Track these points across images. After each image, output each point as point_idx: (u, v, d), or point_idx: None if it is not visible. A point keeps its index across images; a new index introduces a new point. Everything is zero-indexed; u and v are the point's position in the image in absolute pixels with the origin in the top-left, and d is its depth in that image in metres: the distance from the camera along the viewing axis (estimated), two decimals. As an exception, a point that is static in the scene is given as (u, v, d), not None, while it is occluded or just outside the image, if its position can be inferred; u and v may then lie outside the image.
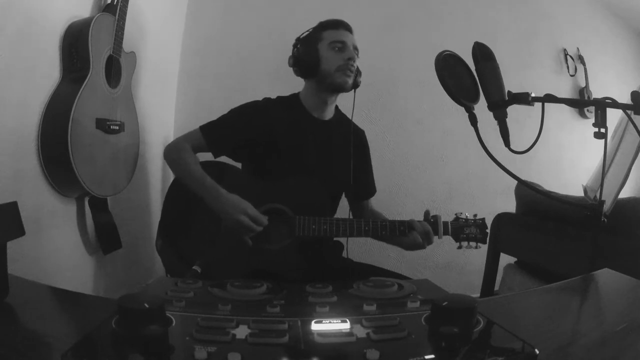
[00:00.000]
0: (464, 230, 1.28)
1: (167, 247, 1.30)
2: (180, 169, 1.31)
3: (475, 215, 1.30)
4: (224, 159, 1.41)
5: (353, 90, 1.41)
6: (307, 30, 1.40)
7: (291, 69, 1.40)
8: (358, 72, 1.40)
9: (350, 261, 1.44)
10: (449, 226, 1.28)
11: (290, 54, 1.40)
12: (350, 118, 1.48)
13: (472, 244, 1.29)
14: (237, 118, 1.35)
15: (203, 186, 1.23)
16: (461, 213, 1.30)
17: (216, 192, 1.21)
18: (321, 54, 1.34)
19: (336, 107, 1.47)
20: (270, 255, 1.23)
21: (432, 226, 1.26)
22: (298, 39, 1.40)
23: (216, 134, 1.34)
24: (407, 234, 1.26)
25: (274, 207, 1.25)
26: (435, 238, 1.29)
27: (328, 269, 1.34)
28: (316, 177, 1.30)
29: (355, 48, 1.37)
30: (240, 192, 1.24)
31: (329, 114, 1.44)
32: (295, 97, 1.44)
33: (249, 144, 1.34)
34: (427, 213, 1.30)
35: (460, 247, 1.28)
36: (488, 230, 1.31)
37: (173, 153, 1.34)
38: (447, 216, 1.33)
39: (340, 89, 1.36)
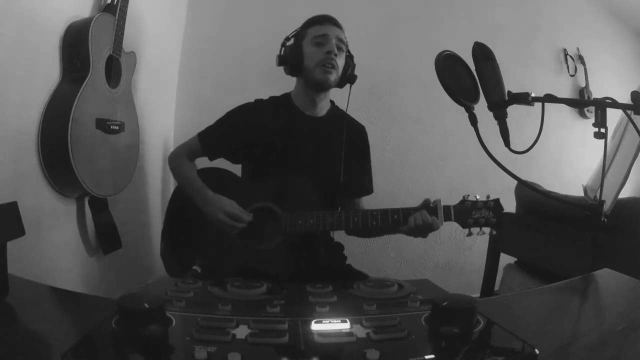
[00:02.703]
0: (471, 214, 1.12)
1: (169, 250, 1.31)
2: (177, 175, 1.37)
3: (487, 197, 1.15)
4: (223, 163, 1.42)
5: (349, 85, 1.38)
6: (296, 29, 1.40)
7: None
8: (350, 67, 1.37)
9: (350, 267, 1.44)
10: (451, 210, 1.14)
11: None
12: (352, 115, 1.45)
13: (485, 229, 1.13)
14: (230, 121, 1.37)
15: (193, 189, 1.28)
16: (469, 195, 1.15)
17: (203, 193, 1.26)
18: (304, 51, 1.33)
19: (332, 102, 1.45)
20: (260, 254, 1.22)
21: (432, 212, 1.14)
22: (286, 38, 1.40)
23: (210, 138, 1.37)
24: (402, 224, 1.15)
25: (263, 205, 1.25)
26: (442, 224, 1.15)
27: (327, 269, 1.34)
28: (310, 175, 1.29)
29: (341, 41, 1.33)
30: (234, 194, 1.25)
31: (322, 110, 1.41)
32: (286, 96, 1.43)
33: (242, 146, 1.35)
34: (427, 201, 1.18)
35: (470, 234, 1.12)
36: (504, 211, 1.14)
37: (173, 160, 1.40)
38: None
39: (322, 86, 1.32)
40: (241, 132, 1.34)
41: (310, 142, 1.36)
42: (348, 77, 1.37)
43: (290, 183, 1.27)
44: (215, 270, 1.17)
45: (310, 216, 1.19)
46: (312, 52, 1.32)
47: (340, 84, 1.37)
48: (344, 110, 1.44)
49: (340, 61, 1.33)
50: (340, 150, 1.37)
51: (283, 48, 1.39)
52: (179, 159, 1.37)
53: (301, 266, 1.22)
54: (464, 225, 1.14)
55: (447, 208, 1.14)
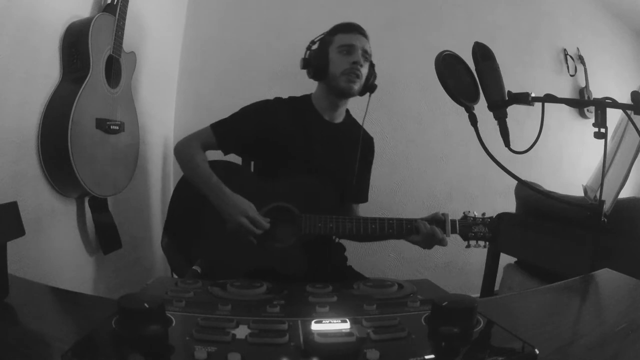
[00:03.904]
0: (472, 228, 1.25)
1: (172, 245, 1.30)
2: (187, 167, 1.32)
3: (483, 214, 1.28)
4: (233, 158, 1.41)
5: (368, 94, 1.40)
6: (322, 34, 1.40)
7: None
8: (372, 76, 1.39)
9: (352, 269, 1.44)
10: (457, 224, 1.26)
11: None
12: (362, 122, 1.47)
13: (481, 242, 1.26)
14: (247, 117, 1.35)
15: (208, 185, 1.24)
16: (469, 211, 1.28)
17: (220, 191, 1.22)
18: (330, 57, 1.34)
19: (347, 111, 1.47)
20: (275, 254, 1.22)
21: (440, 225, 1.24)
22: (312, 42, 1.40)
23: (226, 132, 1.34)
24: (414, 232, 1.23)
25: (280, 205, 1.25)
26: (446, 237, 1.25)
27: (335, 270, 1.34)
28: (325, 178, 1.30)
29: (366, 52, 1.36)
30: (247, 191, 1.24)
31: (340, 117, 1.44)
32: (307, 98, 1.43)
33: (258, 143, 1.34)
34: (436, 214, 1.27)
35: (468, 246, 1.26)
36: (497, 228, 1.27)
37: (183, 150, 1.35)
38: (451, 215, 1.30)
39: (345, 94, 1.36)
40: (259, 127, 1.33)
41: (326, 147, 1.37)
42: (369, 86, 1.39)
43: (309, 185, 1.27)
44: (222, 269, 1.16)
45: (330, 219, 1.21)
46: (337, 59, 1.33)
47: (361, 92, 1.39)
48: (363, 116, 1.45)
49: (364, 71, 1.36)
50: (354, 158, 1.39)
51: (308, 52, 1.39)
52: (191, 150, 1.32)
53: (314, 267, 1.22)
54: (465, 238, 1.26)
55: (453, 222, 1.25)
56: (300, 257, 1.22)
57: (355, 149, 1.40)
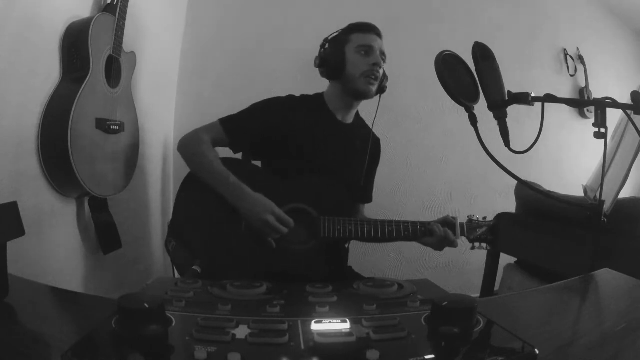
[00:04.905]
0: (476, 231, 1.29)
1: (181, 248, 1.26)
2: (199, 163, 1.26)
3: (484, 218, 1.32)
4: (229, 153, 1.40)
5: (378, 95, 1.39)
6: (337, 32, 1.38)
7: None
8: (384, 77, 1.38)
9: (351, 269, 1.44)
10: (465, 227, 1.29)
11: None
12: (371, 123, 1.46)
13: (484, 244, 1.30)
14: (259, 113, 1.32)
15: (226, 184, 1.19)
16: (473, 215, 1.32)
17: (240, 191, 1.18)
18: (347, 57, 1.32)
19: (357, 112, 1.46)
20: (294, 256, 1.20)
21: (450, 228, 1.26)
22: (326, 40, 1.38)
23: (237, 128, 1.30)
24: (428, 235, 1.26)
25: (297, 207, 1.23)
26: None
27: (335, 270, 1.33)
28: (338, 179, 1.29)
29: (383, 53, 1.35)
30: (260, 190, 1.20)
31: (352, 117, 1.43)
32: (319, 97, 1.41)
33: (269, 141, 1.31)
34: (446, 218, 1.30)
35: (473, 248, 1.30)
36: (497, 228, 1.32)
37: (192, 146, 1.28)
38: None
39: (363, 96, 1.35)
40: (271, 125, 1.30)
41: (339, 147, 1.36)
42: (381, 88, 1.38)
43: (323, 185, 1.26)
44: (232, 272, 1.14)
45: (349, 222, 1.21)
46: (356, 60, 1.32)
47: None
48: (373, 118, 1.45)
49: (381, 72, 1.35)
50: (364, 158, 1.39)
51: (323, 50, 1.37)
52: (202, 147, 1.25)
53: (331, 269, 1.21)
54: (470, 240, 1.29)
55: (461, 225, 1.29)
56: (319, 259, 1.20)
57: (365, 149, 1.39)
